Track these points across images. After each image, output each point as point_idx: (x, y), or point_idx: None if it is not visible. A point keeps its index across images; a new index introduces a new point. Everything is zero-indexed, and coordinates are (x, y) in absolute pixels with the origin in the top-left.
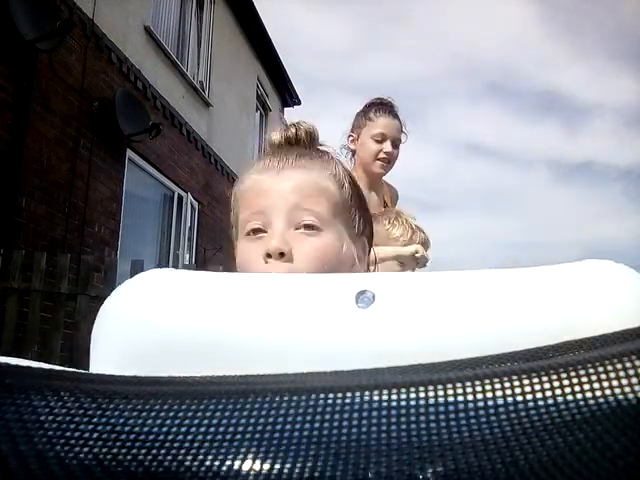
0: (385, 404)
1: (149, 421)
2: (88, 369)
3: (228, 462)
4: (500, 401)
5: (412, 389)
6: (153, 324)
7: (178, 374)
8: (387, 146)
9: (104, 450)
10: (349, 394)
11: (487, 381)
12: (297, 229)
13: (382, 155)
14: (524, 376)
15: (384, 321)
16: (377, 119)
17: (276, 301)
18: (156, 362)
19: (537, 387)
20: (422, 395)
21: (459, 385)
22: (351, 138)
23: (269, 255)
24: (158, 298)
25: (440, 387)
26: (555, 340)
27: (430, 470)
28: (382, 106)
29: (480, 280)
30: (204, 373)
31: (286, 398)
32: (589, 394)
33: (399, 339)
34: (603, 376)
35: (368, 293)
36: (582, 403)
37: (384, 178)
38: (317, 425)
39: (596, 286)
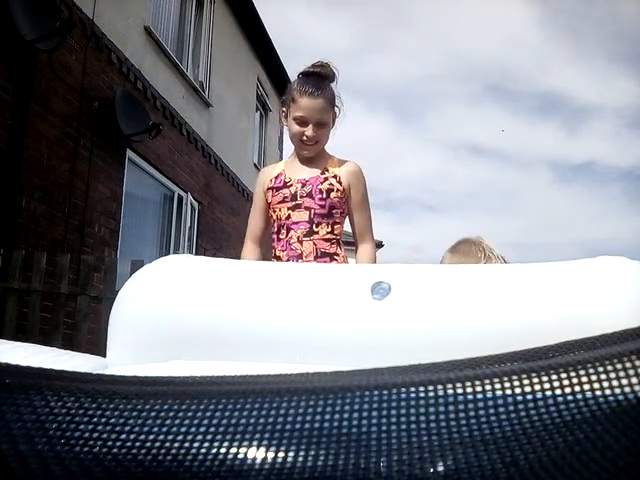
0: (385, 404)
1: (149, 421)
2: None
3: (228, 462)
4: (500, 401)
5: (412, 389)
6: (171, 310)
7: (194, 360)
8: (308, 130)
9: (104, 450)
10: (349, 394)
11: (487, 381)
12: None
13: (303, 138)
14: (524, 376)
15: (400, 312)
16: (300, 100)
17: (294, 290)
18: (173, 347)
19: (537, 387)
20: (422, 395)
21: (459, 385)
22: (283, 114)
23: None
24: (177, 284)
25: (440, 387)
26: (568, 332)
27: (431, 470)
28: (307, 82)
29: (495, 274)
30: (220, 359)
31: (286, 398)
32: (589, 394)
33: (415, 330)
34: (603, 376)
35: (384, 284)
36: (582, 403)
37: (335, 154)
38: (317, 425)
39: (609, 281)
